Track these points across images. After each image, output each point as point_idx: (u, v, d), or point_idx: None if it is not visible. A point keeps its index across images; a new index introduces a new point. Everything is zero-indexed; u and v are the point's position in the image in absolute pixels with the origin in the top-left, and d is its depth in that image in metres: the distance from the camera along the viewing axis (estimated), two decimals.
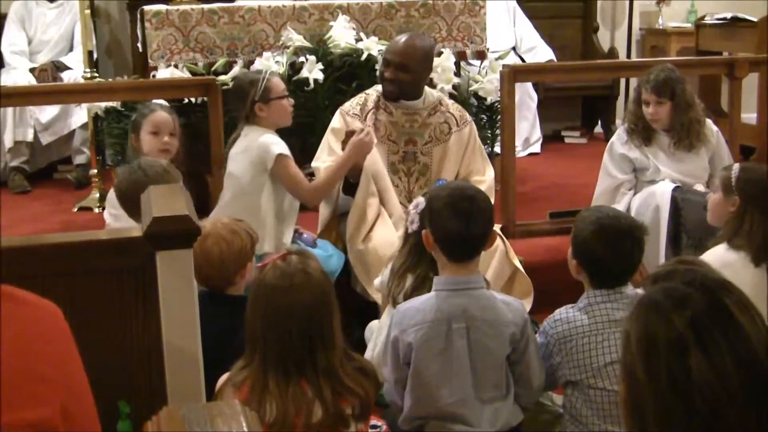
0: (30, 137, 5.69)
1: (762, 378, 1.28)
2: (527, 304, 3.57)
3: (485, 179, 3.95)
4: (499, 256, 3.66)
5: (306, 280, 2.32)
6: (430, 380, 2.62)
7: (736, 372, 1.27)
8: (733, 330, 1.30)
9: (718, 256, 3.05)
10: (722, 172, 3.32)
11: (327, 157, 3.86)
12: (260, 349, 2.31)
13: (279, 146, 3.71)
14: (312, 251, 3.66)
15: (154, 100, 4.24)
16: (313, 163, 3.92)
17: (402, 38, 3.94)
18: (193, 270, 2.85)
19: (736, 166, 3.26)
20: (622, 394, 1.39)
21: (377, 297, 3.54)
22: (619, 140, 4.21)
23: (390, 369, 2.70)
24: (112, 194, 3.70)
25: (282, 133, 4.74)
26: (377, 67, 4.71)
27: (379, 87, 4.03)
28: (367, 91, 4.04)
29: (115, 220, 3.62)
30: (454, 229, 2.62)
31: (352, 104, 3.98)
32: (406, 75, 3.90)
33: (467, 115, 4.11)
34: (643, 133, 4.12)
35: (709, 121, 4.18)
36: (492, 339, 2.62)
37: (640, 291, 2.63)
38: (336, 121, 3.96)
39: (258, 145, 3.72)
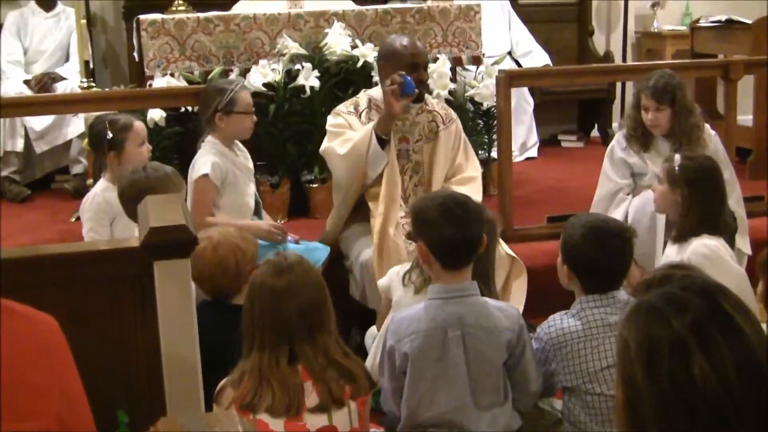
0: (19, 147, 5.69)
1: (763, 381, 1.29)
2: (523, 284, 3.60)
3: (475, 175, 3.98)
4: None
5: (302, 272, 2.45)
6: (427, 388, 2.62)
7: (737, 375, 1.27)
8: (734, 334, 1.30)
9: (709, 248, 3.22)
10: (666, 163, 3.45)
11: (340, 139, 3.80)
12: (258, 338, 2.40)
13: (204, 167, 3.77)
14: (295, 248, 3.74)
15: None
16: (326, 145, 3.86)
17: (405, 40, 3.90)
18: (201, 279, 2.89)
19: (678, 157, 3.42)
20: (618, 399, 1.39)
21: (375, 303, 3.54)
22: (618, 145, 4.19)
23: (386, 379, 2.70)
24: (88, 206, 3.71)
25: (279, 141, 4.78)
26: (373, 73, 4.73)
27: (370, 92, 4.02)
28: (357, 96, 4.04)
29: (95, 233, 3.65)
30: (450, 236, 2.63)
31: (345, 105, 3.97)
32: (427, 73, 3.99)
33: (452, 112, 4.11)
34: (641, 138, 4.09)
35: (707, 126, 4.17)
36: (488, 345, 2.63)
37: (628, 294, 2.69)
38: (334, 119, 3.89)
39: (192, 164, 3.86)
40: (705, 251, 3.23)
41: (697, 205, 3.28)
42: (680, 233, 3.33)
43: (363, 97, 3.98)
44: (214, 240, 2.87)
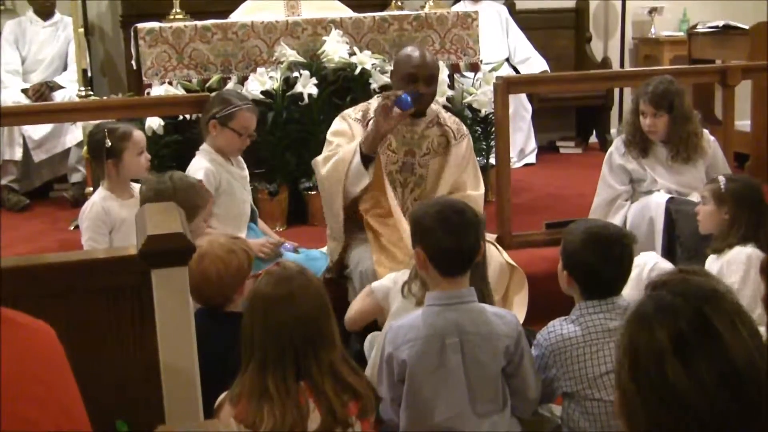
0: (18, 156, 5.70)
1: (743, 392, 1.28)
2: (524, 298, 3.60)
3: (476, 194, 3.88)
4: (494, 258, 3.64)
5: (304, 283, 2.38)
6: (426, 396, 2.61)
7: (716, 385, 1.27)
8: (714, 342, 1.30)
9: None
10: (710, 185, 3.59)
11: (326, 155, 3.72)
12: (258, 356, 2.32)
13: (197, 173, 3.77)
14: (294, 257, 3.73)
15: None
16: (317, 158, 3.76)
17: (414, 51, 3.79)
18: (190, 288, 2.87)
19: (722, 178, 3.57)
20: (616, 402, 1.41)
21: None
22: (617, 151, 4.19)
23: (385, 387, 2.68)
24: (87, 215, 3.71)
25: (277, 148, 4.78)
26: (371, 81, 4.73)
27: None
28: (370, 101, 3.94)
29: (93, 241, 3.64)
30: (447, 244, 2.63)
31: (354, 110, 3.89)
32: (433, 87, 3.82)
33: (464, 128, 4.02)
34: (640, 144, 4.09)
35: (705, 132, 4.16)
36: (486, 352, 2.62)
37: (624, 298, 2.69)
38: (338, 125, 3.83)
39: (186, 172, 3.83)
40: (743, 257, 3.34)
41: (743, 220, 3.44)
42: (722, 245, 3.45)
43: (375, 103, 3.90)
44: (201, 250, 2.85)
